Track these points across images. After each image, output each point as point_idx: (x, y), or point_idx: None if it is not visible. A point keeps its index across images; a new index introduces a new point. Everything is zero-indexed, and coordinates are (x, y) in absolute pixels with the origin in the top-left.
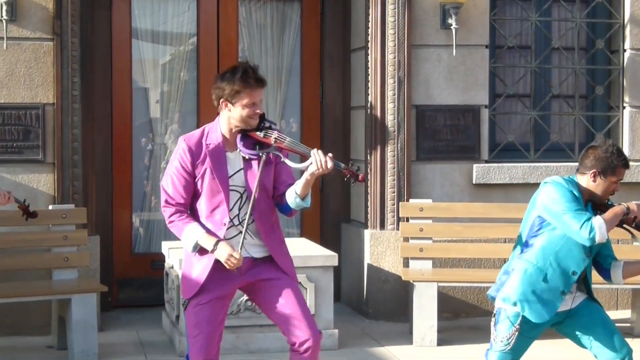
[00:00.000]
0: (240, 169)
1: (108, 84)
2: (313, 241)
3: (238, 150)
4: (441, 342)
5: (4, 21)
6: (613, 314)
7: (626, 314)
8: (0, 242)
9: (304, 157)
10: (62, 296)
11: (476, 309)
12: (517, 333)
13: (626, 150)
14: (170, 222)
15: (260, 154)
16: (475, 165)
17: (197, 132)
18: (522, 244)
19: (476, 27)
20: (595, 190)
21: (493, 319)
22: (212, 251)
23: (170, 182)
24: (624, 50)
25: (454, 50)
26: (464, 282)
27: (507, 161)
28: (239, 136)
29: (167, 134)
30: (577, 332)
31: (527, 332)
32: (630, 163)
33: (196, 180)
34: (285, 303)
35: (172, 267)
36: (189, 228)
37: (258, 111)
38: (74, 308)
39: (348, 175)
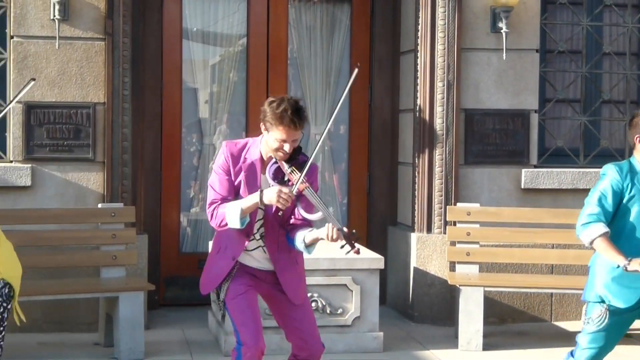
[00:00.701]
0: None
1: (158, 83)
2: (359, 244)
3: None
4: (487, 346)
5: (56, 21)
6: None
7: None
8: (50, 240)
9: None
10: (109, 294)
11: (523, 314)
12: (607, 312)
13: None
14: (215, 212)
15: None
16: (524, 170)
17: (241, 142)
18: None
19: (527, 31)
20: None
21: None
22: (261, 199)
23: (217, 181)
24: None
25: (504, 54)
26: (511, 287)
27: (556, 166)
28: (272, 161)
29: (215, 134)
30: None
31: (617, 317)
32: None
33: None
34: (297, 319)
35: None
36: (230, 205)
37: (287, 150)
38: (121, 306)
39: (347, 246)
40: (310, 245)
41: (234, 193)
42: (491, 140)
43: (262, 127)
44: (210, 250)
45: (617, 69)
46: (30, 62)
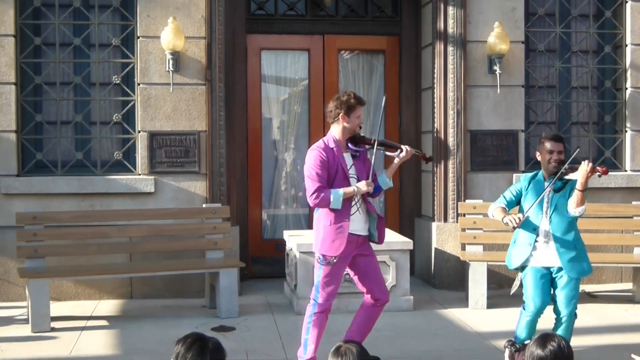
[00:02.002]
0: (352, 164)
1: (244, 115)
2: (394, 231)
3: (348, 151)
4: (490, 305)
5: (170, 72)
6: (618, 286)
7: (628, 285)
8: (169, 231)
9: (391, 150)
10: (212, 270)
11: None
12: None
13: (628, 164)
14: (320, 195)
15: (367, 148)
16: (514, 174)
17: (320, 142)
18: None
19: (514, 72)
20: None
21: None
22: (355, 190)
23: (317, 174)
24: (626, 89)
25: (498, 89)
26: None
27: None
28: (347, 141)
29: (285, 151)
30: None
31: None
32: (630, 172)
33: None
34: (373, 274)
35: (291, 249)
36: (333, 191)
37: (362, 121)
38: (221, 278)
39: (421, 158)
40: (390, 179)
41: (331, 179)
42: (490, 153)
43: (342, 116)
44: (322, 222)
45: (582, 99)
46: (152, 102)
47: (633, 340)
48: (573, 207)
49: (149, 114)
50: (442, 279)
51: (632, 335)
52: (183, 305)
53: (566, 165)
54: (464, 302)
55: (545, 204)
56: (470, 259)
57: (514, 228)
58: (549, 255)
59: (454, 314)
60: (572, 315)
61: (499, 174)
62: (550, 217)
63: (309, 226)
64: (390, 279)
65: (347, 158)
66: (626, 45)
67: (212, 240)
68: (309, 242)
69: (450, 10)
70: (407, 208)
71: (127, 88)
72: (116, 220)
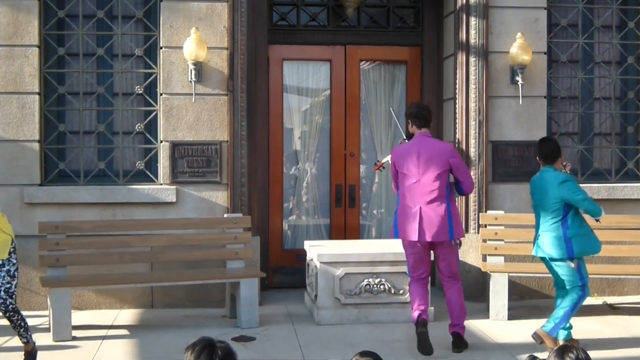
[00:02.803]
0: None
1: (266, 125)
2: None
3: None
4: (511, 317)
5: (192, 82)
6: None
7: None
8: (190, 241)
9: None
10: (233, 280)
11: (537, 293)
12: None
13: None
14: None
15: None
16: None
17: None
18: None
19: (537, 83)
20: None
21: None
22: None
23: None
24: None
25: (520, 100)
26: (528, 273)
27: None
28: None
29: (307, 161)
30: None
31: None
32: None
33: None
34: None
35: (311, 260)
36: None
37: None
38: (242, 288)
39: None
40: None
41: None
42: (512, 163)
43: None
44: (452, 211)
45: (605, 110)
46: (175, 112)
47: None
48: None
49: (171, 124)
50: (463, 289)
51: None
52: (203, 315)
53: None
54: (485, 313)
55: None
56: (492, 270)
57: None
58: None
59: (475, 325)
60: None
61: (520, 185)
62: None
63: (330, 236)
64: None
65: None
66: None
67: (233, 250)
68: (330, 253)
69: (472, 20)
70: None
71: (149, 98)
72: (138, 230)
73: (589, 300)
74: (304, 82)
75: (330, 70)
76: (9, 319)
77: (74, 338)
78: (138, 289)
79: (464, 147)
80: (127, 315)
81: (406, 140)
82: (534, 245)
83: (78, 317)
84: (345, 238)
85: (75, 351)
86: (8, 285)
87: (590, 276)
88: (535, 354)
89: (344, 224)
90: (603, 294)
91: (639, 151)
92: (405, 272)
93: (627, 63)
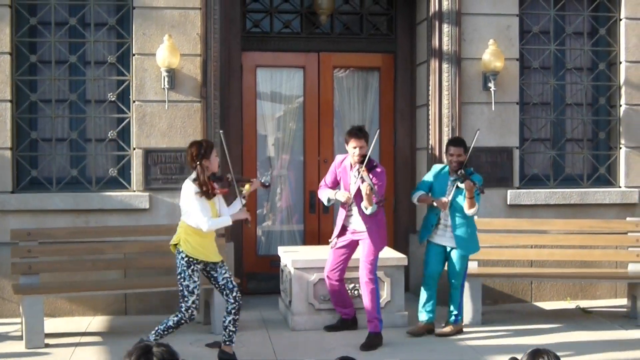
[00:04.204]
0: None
1: (239, 132)
2: (389, 247)
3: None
4: (484, 322)
5: (165, 89)
6: (612, 302)
7: (623, 301)
8: (164, 247)
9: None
10: (207, 286)
11: (510, 297)
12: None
13: (622, 180)
14: (320, 190)
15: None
16: (509, 191)
17: (343, 156)
18: None
19: (509, 89)
20: None
21: None
22: (335, 194)
23: (328, 174)
24: (620, 105)
25: (493, 106)
26: (501, 277)
27: (533, 188)
28: (356, 166)
29: (280, 168)
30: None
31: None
32: (625, 189)
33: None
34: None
35: (285, 266)
36: (326, 191)
37: (357, 153)
38: (216, 295)
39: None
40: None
41: (335, 183)
42: (485, 169)
43: (345, 145)
44: None
45: (577, 116)
46: (148, 119)
47: (628, 357)
48: (466, 209)
49: (144, 131)
50: (437, 295)
51: (627, 352)
52: None
53: (462, 171)
54: None
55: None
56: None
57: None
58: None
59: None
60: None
61: (493, 191)
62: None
63: (304, 242)
64: (385, 294)
65: (352, 176)
66: (620, 63)
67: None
68: (304, 258)
69: (445, 27)
70: (401, 224)
71: (122, 105)
72: (111, 237)
73: (562, 304)
74: (278, 89)
75: (303, 77)
76: None
77: (47, 345)
78: (111, 296)
79: (437, 153)
80: (100, 323)
81: None
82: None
83: (51, 324)
84: (319, 244)
85: (48, 358)
86: None
87: (562, 280)
88: (516, 356)
89: (317, 229)
90: (576, 298)
91: (610, 157)
92: (380, 277)
93: (598, 69)
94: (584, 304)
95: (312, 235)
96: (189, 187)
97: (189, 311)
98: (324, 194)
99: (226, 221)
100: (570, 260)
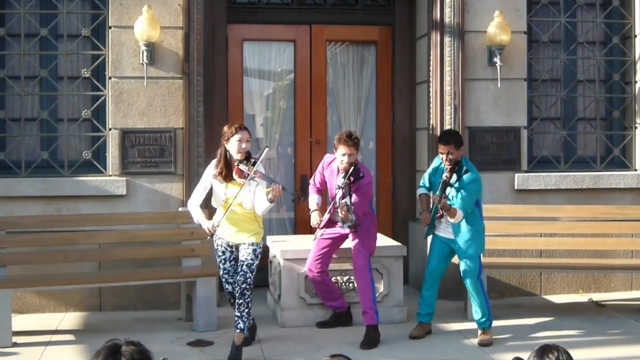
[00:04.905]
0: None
1: (225, 112)
2: (386, 236)
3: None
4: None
5: (144, 64)
6: (628, 294)
7: (639, 294)
8: (142, 237)
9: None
10: (189, 279)
11: (518, 290)
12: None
13: (638, 162)
14: (309, 187)
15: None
16: (516, 175)
17: (332, 157)
18: None
19: (516, 64)
20: None
21: None
22: (311, 212)
23: (316, 174)
24: (636, 82)
25: (499, 83)
26: (507, 268)
27: (542, 171)
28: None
29: (270, 150)
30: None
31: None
32: None
33: (326, 179)
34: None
35: (274, 256)
36: (313, 196)
37: (346, 161)
38: (198, 288)
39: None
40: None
41: (323, 184)
42: (490, 151)
43: (334, 150)
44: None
45: (589, 93)
46: (125, 97)
47: None
48: (448, 218)
49: (121, 110)
50: (441, 286)
51: None
52: (157, 318)
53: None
54: (462, 312)
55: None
56: None
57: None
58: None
59: (452, 326)
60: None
61: (499, 174)
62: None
63: (294, 231)
64: (382, 288)
65: (339, 179)
66: (635, 36)
67: (188, 246)
68: (294, 249)
69: None
70: (400, 211)
71: (97, 82)
72: (84, 226)
73: (573, 297)
74: (266, 65)
75: (294, 51)
76: None
77: (15, 344)
78: (85, 290)
79: (438, 134)
80: (73, 319)
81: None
82: None
83: (19, 321)
84: (311, 233)
85: (16, 358)
86: None
87: (574, 271)
88: (520, 356)
89: (309, 218)
90: (588, 291)
91: (625, 137)
92: (377, 269)
93: (612, 43)
94: (597, 296)
95: (303, 223)
96: (210, 164)
97: (226, 290)
98: (311, 199)
99: (195, 217)
100: (583, 250)
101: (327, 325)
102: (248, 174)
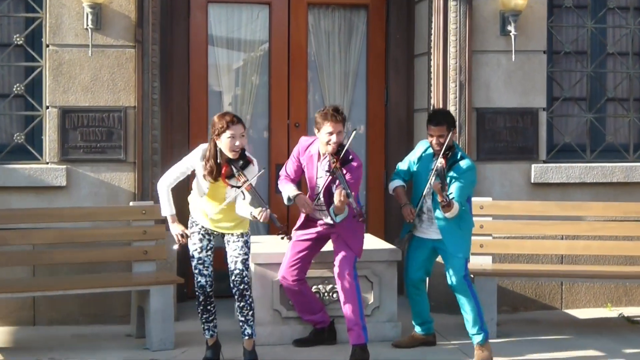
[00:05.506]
0: (321, 177)
1: (185, 88)
2: (377, 237)
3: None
4: (500, 334)
5: (89, 30)
6: None
7: None
8: (85, 237)
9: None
10: (141, 287)
11: (534, 303)
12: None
13: None
14: (280, 182)
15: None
16: (533, 166)
17: (310, 139)
18: None
19: (534, 34)
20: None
21: None
22: (294, 197)
23: (289, 162)
24: None
25: (513, 56)
26: (523, 277)
27: (564, 161)
28: (325, 155)
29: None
30: None
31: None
32: None
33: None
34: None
35: None
36: (287, 185)
37: (334, 140)
38: (152, 299)
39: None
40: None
41: (299, 173)
42: (502, 137)
43: (316, 130)
44: None
45: (621, 68)
46: (65, 69)
47: None
48: (443, 212)
49: (61, 84)
50: (439, 298)
51: None
52: (102, 334)
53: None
54: (463, 327)
55: (428, 185)
56: (476, 272)
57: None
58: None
59: (454, 344)
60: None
61: (513, 165)
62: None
63: (268, 231)
64: (371, 299)
65: (320, 168)
66: None
67: (141, 248)
68: (268, 252)
69: None
70: (394, 208)
71: (32, 51)
72: (16, 223)
73: (601, 312)
74: (236, 32)
75: (269, 16)
76: None
77: None
78: (15, 301)
79: None
80: (1, 336)
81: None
82: None
83: None
84: (288, 233)
85: None
86: None
87: (602, 281)
88: None
89: (287, 214)
90: (619, 304)
91: None
92: (366, 277)
93: None
94: (629, 311)
95: (279, 221)
96: (196, 150)
97: (194, 278)
98: (284, 189)
99: (163, 205)
100: (612, 255)
101: (307, 343)
102: (238, 184)
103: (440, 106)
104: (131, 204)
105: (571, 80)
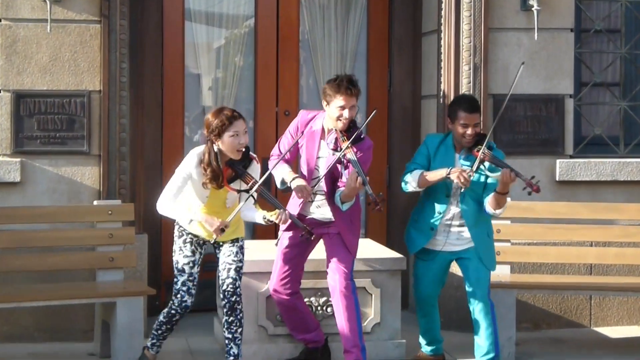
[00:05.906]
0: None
1: (159, 69)
2: (378, 242)
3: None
4: (520, 355)
5: (48, 2)
6: None
7: None
8: (42, 240)
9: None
10: (106, 299)
11: (559, 319)
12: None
13: None
14: (270, 159)
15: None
16: (558, 161)
17: (312, 113)
18: None
19: (560, 9)
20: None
21: None
22: (292, 180)
23: (284, 139)
24: None
25: (536, 34)
26: (545, 289)
27: (594, 156)
28: (332, 132)
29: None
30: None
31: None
32: None
33: (299, 146)
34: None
35: None
36: (281, 167)
37: (346, 116)
38: (119, 312)
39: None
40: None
41: (294, 153)
42: (522, 128)
43: (324, 103)
44: None
45: None
46: (20, 47)
47: None
48: (491, 207)
49: (15, 65)
50: (449, 314)
51: None
52: (62, 353)
53: (484, 149)
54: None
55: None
56: (492, 285)
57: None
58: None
59: None
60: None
61: (535, 160)
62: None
63: (253, 235)
64: (372, 314)
65: (326, 146)
66: None
67: (106, 254)
68: (252, 259)
69: None
70: (398, 208)
71: None
72: None
73: (636, 331)
74: (217, 6)
75: None
76: None
77: None
78: None
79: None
80: None
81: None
82: None
83: None
84: (276, 237)
85: None
86: None
87: (636, 295)
88: None
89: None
90: None
91: None
92: (365, 288)
93: None
94: None
95: (265, 225)
96: (189, 157)
97: (178, 296)
98: (277, 171)
99: (185, 219)
100: None
101: None
102: (247, 188)
103: (452, 92)
104: (95, 202)
105: (602, 62)
